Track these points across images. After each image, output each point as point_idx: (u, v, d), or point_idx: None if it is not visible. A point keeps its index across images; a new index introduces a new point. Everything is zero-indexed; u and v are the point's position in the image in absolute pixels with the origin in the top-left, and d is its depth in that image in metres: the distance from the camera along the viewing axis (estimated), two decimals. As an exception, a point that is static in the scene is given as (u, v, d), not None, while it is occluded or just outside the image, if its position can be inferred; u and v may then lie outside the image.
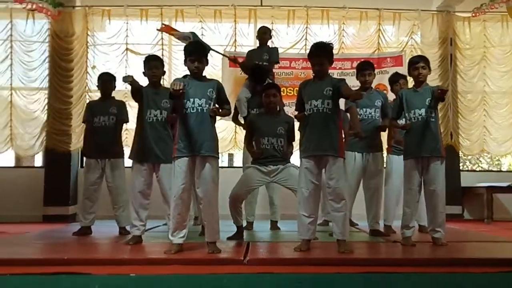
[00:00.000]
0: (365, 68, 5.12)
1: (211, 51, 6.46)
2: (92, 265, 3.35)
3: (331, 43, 4.11)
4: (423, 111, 4.26)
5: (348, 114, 4.96)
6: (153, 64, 4.53)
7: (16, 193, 7.59)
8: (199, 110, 3.81)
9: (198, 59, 3.90)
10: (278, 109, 5.04)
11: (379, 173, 5.11)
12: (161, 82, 4.70)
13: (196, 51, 3.96)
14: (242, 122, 5.80)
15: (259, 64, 5.86)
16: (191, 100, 3.82)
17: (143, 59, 4.64)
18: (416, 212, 4.45)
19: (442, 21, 7.97)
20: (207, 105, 3.84)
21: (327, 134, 3.88)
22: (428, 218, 4.38)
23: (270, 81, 5.81)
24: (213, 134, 3.90)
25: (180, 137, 3.84)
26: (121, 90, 6.81)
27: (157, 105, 4.43)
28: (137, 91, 4.40)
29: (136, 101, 4.55)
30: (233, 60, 6.55)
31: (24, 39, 7.91)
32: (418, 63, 4.38)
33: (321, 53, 3.99)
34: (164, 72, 4.70)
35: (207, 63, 4.02)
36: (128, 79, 4.21)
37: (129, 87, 4.76)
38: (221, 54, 7.01)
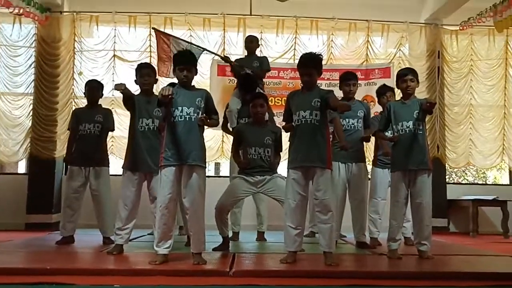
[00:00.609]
0: (348, 78, 5.17)
1: (205, 51, 6.53)
2: (75, 275, 3.31)
3: (320, 54, 4.13)
4: (410, 123, 4.29)
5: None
6: (145, 72, 4.51)
7: (-1, 200, 7.50)
8: (187, 119, 3.81)
9: (187, 68, 3.89)
10: (266, 119, 5.05)
11: (363, 184, 5.14)
12: (153, 91, 4.68)
13: (185, 60, 3.96)
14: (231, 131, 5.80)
15: (248, 73, 5.85)
16: (179, 108, 3.81)
17: (135, 67, 4.63)
18: (402, 225, 4.48)
19: (430, 34, 8.06)
20: (195, 114, 3.83)
21: (315, 145, 3.89)
22: (415, 231, 4.40)
23: (260, 90, 5.82)
24: (201, 143, 3.90)
25: (167, 145, 3.83)
26: (108, 98, 6.79)
27: (149, 114, 4.41)
28: (129, 100, 4.38)
29: (128, 110, 4.53)
30: (225, 59, 6.54)
31: (10, 43, 7.86)
32: (407, 76, 4.42)
33: (310, 64, 4.01)
34: (156, 80, 4.69)
35: (196, 72, 4.03)
36: (121, 87, 4.18)
37: (116, 94, 4.74)
38: (215, 54, 7.02)
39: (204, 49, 6.82)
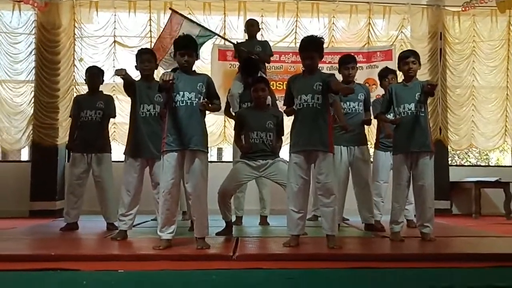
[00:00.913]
0: (348, 61, 5.14)
1: (217, 37, 6.47)
2: (80, 261, 3.34)
3: (322, 37, 4.12)
4: (412, 105, 4.28)
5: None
6: (146, 58, 4.50)
7: (2, 188, 7.53)
8: (189, 104, 3.81)
9: (188, 53, 3.88)
10: (267, 103, 5.05)
11: (366, 166, 5.13)
12: (154, 76, 4.67)
13: (187, 45, 3.94)
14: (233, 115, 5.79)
15: (250, 57, 5.83)
16: (181, 93, 3.81)
17: (135, 53, 4.62)
18: (404, 207, 4.50)
19: (432, 15, 8.01)
20: (196, 99, 3.83)
21: (317, 129, 3.89)
22: (417, 213, 4.42)
23: (263, 74, 5.80)
24: (202, 128, 3.90)
25: (169, 130, 3.83)
26: (109, 84, 6.77)
27: (150, 100, 4.40)
28: (129, 85, 4.37)
29: (128, 96, 4.52)
30: (229, 41, 6.49)
31: (10, 30, 7.84)
32: (409, 58, 4.40)
33: (311, 47, 3.99)
34: (157, 66, 4.67)
35: (197, 57, 4.02)
36: (121, 72, 4.15)
37: (117, 80, 4.73)
38: (226, 39, 6.93)
39: (217, 34, 6.74)
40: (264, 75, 5.87)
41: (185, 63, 3.88)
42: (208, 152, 3.98)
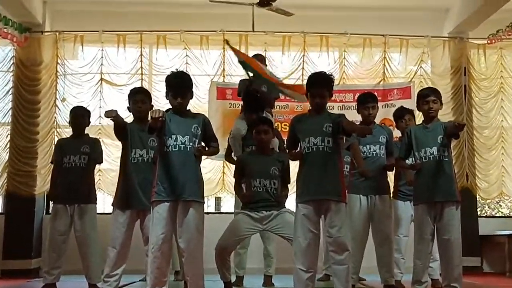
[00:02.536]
0: (367, 100, 5.16)
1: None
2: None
3: (332, 74, 4.17)
4: (434, 149, 4.29)
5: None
6: (139, 98, 4.56)
7: (-29, 244, 7.48)
8: (182, 148, 3.82)
9: (181, 95, 3.93)
10: (271, 146, 5.05)
11: (388, 218, 5.07)
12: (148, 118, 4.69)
13: (179, 85, 3.98)
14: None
15: (251, 93, 5.83)
16: (173, 137, 3.83)
17: (128, 92, 4.67)
18: (428, 265, 4.44)
19: (455, 49, 8.09)
20: (191, 143, 3.85)
21: (328, 175, 3.88)
22: (443, 272, 4.37)
23: (269, 114, 5.83)
24: (198, 176, 3.91)
25: (159, 178, 3.83)
26: (95, 126, 6.81)
27: (143, 144, 4.43)
28: (121, 128, 4.39)
29: (119, 140, 4.56)
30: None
31: (-15, 68, 7.95)
32: (429, 97, 4.44)
33: (322, 84, 4.03)
34: (151, 107, 4.69)
35: (191, 97, 4.06)
36: (111, 114, 4.16)
37: (104, 122, 4.76)
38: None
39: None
40: (270, 115, 5.89)
41: (177, 105, 3.92)
42: (204, 203, 3.97)
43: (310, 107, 4.15)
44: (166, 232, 3.77)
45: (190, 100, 4.05)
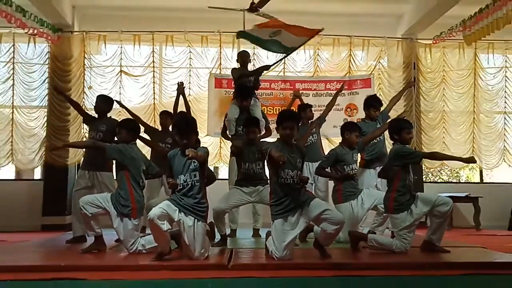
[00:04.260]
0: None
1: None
2: (86, 271, 3.30)
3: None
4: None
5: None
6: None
7: (17, 204, 7.49)
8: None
9: (186, 137, 3.83)
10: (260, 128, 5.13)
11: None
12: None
13: (184, 129, 3.86)
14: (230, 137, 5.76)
15: (242, 83, 5.86)
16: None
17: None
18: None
19: (406, 47, 8.10)
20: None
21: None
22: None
23: (255, 99, 5.83)
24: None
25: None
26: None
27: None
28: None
29: None
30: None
31: (26, 61, 7.85)
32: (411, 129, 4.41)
33: (293, 118, 3.96)
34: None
35: (197, 135, 4.00)
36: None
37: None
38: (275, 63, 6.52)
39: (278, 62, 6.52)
40: (257, 100, 5.88)
41: (184, 145, 3.80)
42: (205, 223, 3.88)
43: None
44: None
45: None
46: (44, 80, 7.77)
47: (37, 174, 9.26)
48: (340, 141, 5.10)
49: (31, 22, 6.81)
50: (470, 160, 4.29)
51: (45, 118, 7.66)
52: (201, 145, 4.09)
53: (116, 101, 5.71)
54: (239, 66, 6.17)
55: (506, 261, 3.85)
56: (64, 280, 3.02)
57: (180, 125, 3.92)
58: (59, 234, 6.23)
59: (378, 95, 7.68)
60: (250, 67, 6.46)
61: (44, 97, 7.74)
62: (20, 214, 7.39)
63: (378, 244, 4.20)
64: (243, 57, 6.20)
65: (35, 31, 7.02)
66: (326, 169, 4.97)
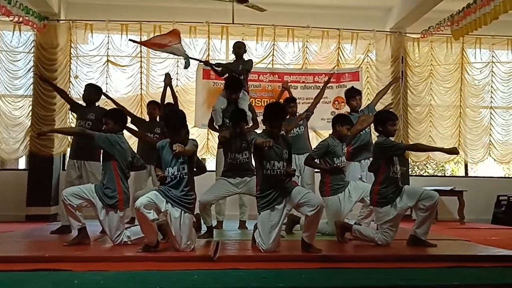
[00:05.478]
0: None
1: (190, 58, 6.33)
2: (71, 262, 3.29)
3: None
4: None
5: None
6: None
7: (1, 194, 7.39)
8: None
9: (176, 133, 3.82)
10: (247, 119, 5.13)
11: None
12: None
13: (173, 125, 3.84)
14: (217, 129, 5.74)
15: (233, 76, 5.85)
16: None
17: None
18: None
19: (395, 41, 8.12)
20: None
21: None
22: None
23: (245, 91, 5.82)
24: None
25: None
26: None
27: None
28: None
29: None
30: (205, 62, 6.51)
31: (11, 49, 7.74)
32: (396, 121, 4.39)
33: (282, 118, 3.95)
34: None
35: (187, 133, 3.98)
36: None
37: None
38: (197, 60, 6.83)
39: (189, 57, 6.53)
40: (246, 92, 5.87)
41: (174, 140, 3.77)
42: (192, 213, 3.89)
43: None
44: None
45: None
46: (29, 69, 7.65)
47: (22, 164, 9.18)
48: (330, 133, 5.11)
49: (16, 10, 6.67)
50: (452, 151, 4.23)
51: (30, 107, 7.56)
52: (189, 137, 4.05)
53: (102, 92, 5.65)
54: (235, 57, 6.21)
55: (490, 254, 3.90)
56: (49, 271, 3.00)
57: (169, 120, 3.88)
58: (44, 225, 6.18)
59: (366, 88, 7.80)
60: (245, 57, 6.36)
61: (29, 86, 7.63)
62: (4, 204, 7.29)
63: (362, 236, 4.25)
64: (236, 49, 6.18)
65: (21, 19, 6.89)
66: (316, 160, 4.98)
